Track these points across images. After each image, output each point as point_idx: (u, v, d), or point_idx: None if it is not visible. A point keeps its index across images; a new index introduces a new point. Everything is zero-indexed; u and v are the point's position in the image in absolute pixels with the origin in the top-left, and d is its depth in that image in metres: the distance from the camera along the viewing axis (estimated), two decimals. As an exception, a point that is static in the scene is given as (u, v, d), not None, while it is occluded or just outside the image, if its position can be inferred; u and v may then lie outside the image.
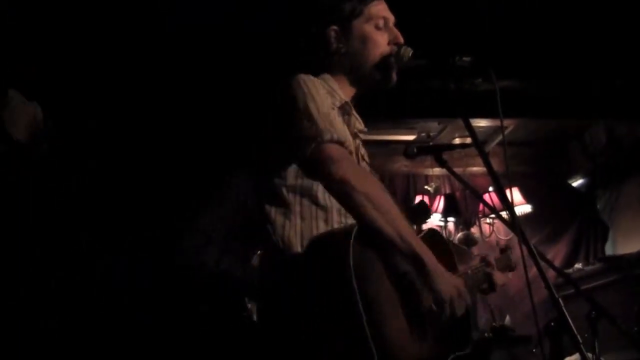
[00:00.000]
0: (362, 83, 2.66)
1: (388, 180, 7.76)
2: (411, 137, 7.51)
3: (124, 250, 5.63)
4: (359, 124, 2.67)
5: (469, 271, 2.70)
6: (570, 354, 4.95)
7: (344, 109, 2.59)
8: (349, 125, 2.58)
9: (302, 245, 2.30)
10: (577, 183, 8.47)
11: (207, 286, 5.10)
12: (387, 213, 2.19)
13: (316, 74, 2.60)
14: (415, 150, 2.77)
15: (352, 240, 2.08)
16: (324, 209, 2.37)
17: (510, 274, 3.01)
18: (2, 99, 2.33)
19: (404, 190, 8.02)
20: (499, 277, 2.88)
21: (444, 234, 7.85)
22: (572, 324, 1.99)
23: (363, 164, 2.63)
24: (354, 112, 2.66)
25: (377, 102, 2.83)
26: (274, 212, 2.38)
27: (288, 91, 2.39)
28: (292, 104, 2.34)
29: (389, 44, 2.62)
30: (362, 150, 2.69)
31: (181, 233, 5.42)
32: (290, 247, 2.31)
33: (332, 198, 2.31)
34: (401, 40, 2.62)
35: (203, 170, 5.95)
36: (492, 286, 2.86)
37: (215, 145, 6.03)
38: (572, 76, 6.11)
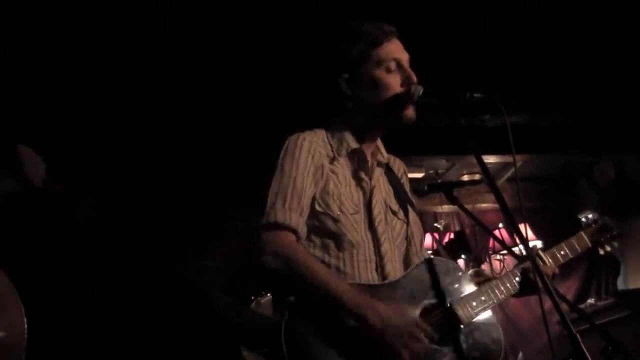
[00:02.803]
0: (377, 126, 2.69)
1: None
2: (419, 175, 7.48)
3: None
4: (381, 156, 2.73)
5: (493, 281, 2.64)
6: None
7: (353, 155, 2.64)
8: (362, 168, 2.65)
9: None
10: (586, 218, 8.42)
11: (206, 329, 5.09)
12: (323, 285, 2.28)
13: (333, 121, 2.66)
14: (426, 187, 2.78)
15: (282, 334, 2.20)
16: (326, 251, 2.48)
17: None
18: (15, 151, 2.40)
19: (412, 228, 7.97)
20: (547, 268, 2.73)
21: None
22: (591, 360, 1.97)
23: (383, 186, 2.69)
24: (378, 145, 2.73)
25: (384, 139, 2.83)
26: None
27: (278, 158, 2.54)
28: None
29: (402, 85, 2.61)
30: (396, 171, 2.79)
31: (186, 270, 5.42)
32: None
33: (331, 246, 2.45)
34: (415, 80, 2.61)
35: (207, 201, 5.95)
36: (529, 283, 2.66)
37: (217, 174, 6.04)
38: (580, 111, 6.11)
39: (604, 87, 5.82)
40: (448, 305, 2.48)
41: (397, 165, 2.86)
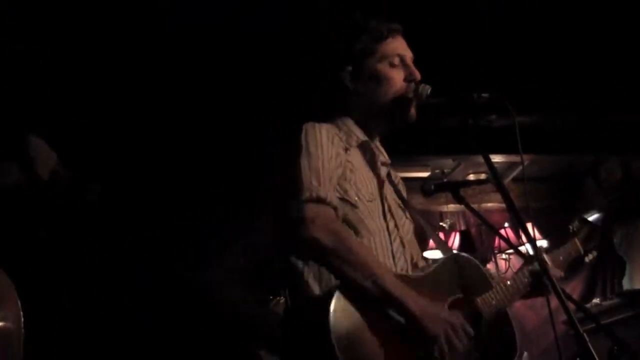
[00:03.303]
0: (380, 121, 2.69)
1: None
2: (425, 174, 7.49)
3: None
4: (383, 157, 2.72)
5: (508, 281, 2.65)
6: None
7: (364, 147, 2.63)
8: (372, 160, 2.64)
9: (321, 288, 2.34)
10: (592, 218, 8.40)
11: (222, 327, 5.08)
12: (365, 268, 2.21)
13: (337, 114, 2.63)
14: (432, 187, 2.78)
15: (331, 310, 2.11)
16: None
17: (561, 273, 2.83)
18: (26, 144, 2.36)
19: (417, 228, 7.96)
20: (554, 271, 2.74)
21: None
22: (598, 360, 1.97)
23: (390, 191, 2.68)
24: (378, 145, 2.71)
25: (391, 138, 2.83)
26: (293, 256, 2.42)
27: (296, 144, 2.47)
28: (289, 159, 2.44)
29: (404, 80, 2.63)
30: (394, 177, 2.77)
31: (205, 267, 5.41)
32: (310, 291, 2.34)
33: None
34: (418, 76, 2.63)
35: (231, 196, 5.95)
36: (539, 285, 2.67)
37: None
38: (587, 112, 6.10)
39: (610, 87, 5.81)
40: (474, 301, 2.49)
41: (394, 174, 2.86)
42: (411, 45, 2.72)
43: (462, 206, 2.83)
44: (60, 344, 4.64)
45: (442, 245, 2.83)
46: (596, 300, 6.87)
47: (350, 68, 2.64)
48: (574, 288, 7.95)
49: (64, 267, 4.91)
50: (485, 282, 2.59)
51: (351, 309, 2.16)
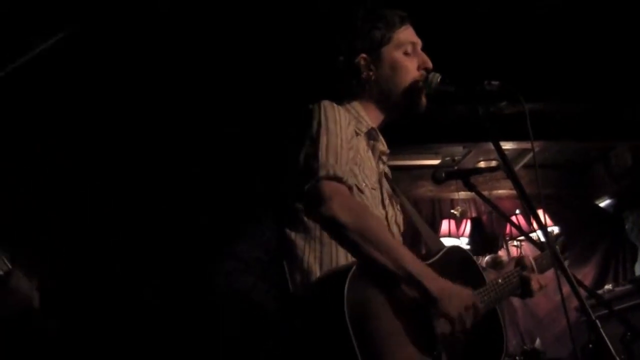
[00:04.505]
0: (392, 109, 2.69)
1: (413, 205, 7.75)
2: (435, 162, 7.48)
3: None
4: (383, 147, 2.68)
5: (500, 279, 2.66)
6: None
7: (370, 135, 2.63)
8: (374, 149, 2.63)
9: (321, 271, 2.31)
10: (604, 204, 8.39)
11: (239, 312, 5.09)
12: (383, 245, 2.18)
13: (346, 100, 2.63)
14: (443, 175, 2.76)
15: (347, 282, 2.07)
16: None
17: (546, 279, 2.86)
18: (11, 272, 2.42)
19: (429, 215, 7.98)
20: (535, 280, 2.79)
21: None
22: (610, 346, 1.97)
23: (386, 184, 2.66)
24: (380, 136, 2.68)
25: (401, 127, 2.82)
26: (294, 235, 2.39)
27: (307, 118, 2.42)
28: (306, 133, 2.38)
29: (418, 69, 2.64)
30: (387, 170, 2.72)
31: (218, 256, 5.42)
32: (310, 273, 2.32)
33: None
34: (430, 64, 2.64)
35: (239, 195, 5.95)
36: (528, 291, 2.77)
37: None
38: (596, 99, 6.07)
39: (620, 74, 5.77)
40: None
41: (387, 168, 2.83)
42: (422, 33, 2.72)
43: (473, 193, 2.82)
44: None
45: (432, 238, 2.81)
46: (608, 287, 6.85)
47: (365, 55, 2.64)
48: (586, 274, 7.93)
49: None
50: (479, 278, 2.60)
51: (367, 285, 2.14)
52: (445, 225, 7.69)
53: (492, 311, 2.58)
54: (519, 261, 2.85)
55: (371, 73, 2.64)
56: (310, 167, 2.28)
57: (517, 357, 6.41)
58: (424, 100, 2.63)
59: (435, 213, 8.04)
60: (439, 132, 6.29)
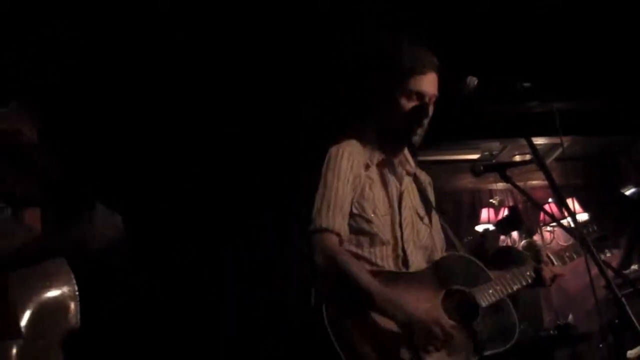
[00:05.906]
0: (392, 138, 2.72)
1: (455, 195, 7.78)
2: (475, 156, 7.41)
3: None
4: (409, 166, 2.79)
5: (508, 275, 2.73)
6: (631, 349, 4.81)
7: (384, 164, 2.71)
8: (392, 174, 2.72)
9: None
10: (629, 192, 8.23)
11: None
12: (354, 283, 2.38)
13: (363, 124, 2.75)
14: (481, 168, 2.77)
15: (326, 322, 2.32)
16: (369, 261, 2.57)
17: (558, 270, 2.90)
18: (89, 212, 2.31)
19: (470, 205, 7.99)
20: (547, 272, 2.83)
21: (508, 243, 7.78)
22: (635, 321, 1.95)
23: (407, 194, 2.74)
24: (405, 156, 2.78)
25: (443, 125, 2.81)
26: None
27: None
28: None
29: (411, 109, 2.63)
30: (422, 180, 2.83)
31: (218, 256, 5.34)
32: None
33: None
34: (425, 117, 2.64)
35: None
36: (540, 281, 2.81)
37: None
38: (620, 96, 5.93)
39: (618, 74, 5.58)
40: (467, 290, 2.58)
41: (423, 177, 2.90)
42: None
43: (509, 184, 2.81)
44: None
45: (458, 245, 2.84)
46: (634, 267, 6.73)
47: (377, 96, 2.70)
48: (613, 257, 7.77)
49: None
50: (484, 276, 2.67)
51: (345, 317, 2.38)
52: (484, 213, 7.75)
53: (504, 303, 2.67)
54: (535, 255, 2.89)
55: (373, 102, 2.72)
56: (311, 217, 2.53)
57: (551, 331, 6.35)
58: (417, 138, 2.65)
59: (475, 202, 8.07)
60: (478, 129, 6.23)
